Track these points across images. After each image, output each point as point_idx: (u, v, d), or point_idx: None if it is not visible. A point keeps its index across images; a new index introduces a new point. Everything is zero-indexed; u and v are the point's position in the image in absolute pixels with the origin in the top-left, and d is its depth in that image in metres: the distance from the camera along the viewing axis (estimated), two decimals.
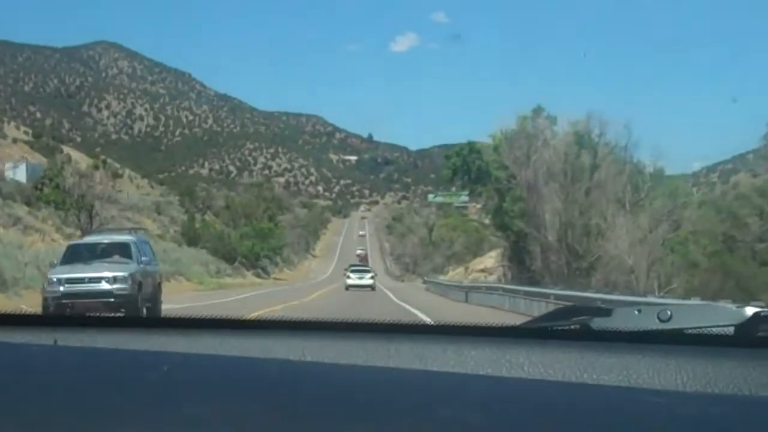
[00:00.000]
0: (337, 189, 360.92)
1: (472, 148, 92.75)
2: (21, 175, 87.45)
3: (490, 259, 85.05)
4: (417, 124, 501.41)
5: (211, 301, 40.57)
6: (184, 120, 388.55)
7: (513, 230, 69.26)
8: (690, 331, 2.16)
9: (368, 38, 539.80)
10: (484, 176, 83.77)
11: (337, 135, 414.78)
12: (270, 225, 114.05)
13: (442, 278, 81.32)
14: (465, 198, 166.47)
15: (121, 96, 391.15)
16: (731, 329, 2.14)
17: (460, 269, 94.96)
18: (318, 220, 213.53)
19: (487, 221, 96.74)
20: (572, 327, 2.34)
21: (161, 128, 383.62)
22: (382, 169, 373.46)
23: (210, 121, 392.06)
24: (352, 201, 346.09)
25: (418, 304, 38.82)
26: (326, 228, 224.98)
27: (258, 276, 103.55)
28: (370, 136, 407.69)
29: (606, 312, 2.34)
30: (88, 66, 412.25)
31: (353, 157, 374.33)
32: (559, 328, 2.36)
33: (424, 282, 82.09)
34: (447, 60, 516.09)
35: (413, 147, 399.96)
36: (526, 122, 69.08)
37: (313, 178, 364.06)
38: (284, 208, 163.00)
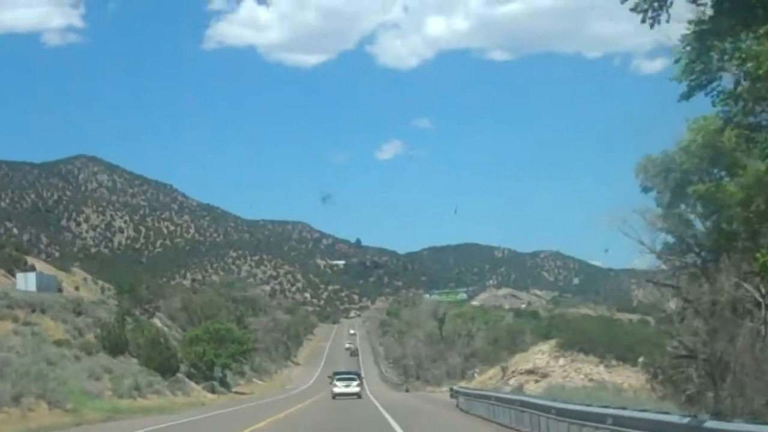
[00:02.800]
0: (325, 295, 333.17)
1: None
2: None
3: (542, 355, 57.20)
4: (405, 229, 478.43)
5: None
6: (165, 231, 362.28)
7: None
8: None
9: (354, 149, 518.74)
10: None
11: (324, 241, 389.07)
12: (229, 326, 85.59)
13: (472, 386, 53.03)
14: (464, 296, 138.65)
15: (100, 209, 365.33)
16: None
17: (493, 371, 66.79)
18: (302, 324, 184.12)
19: (523, 306, 70.50)
20: None
21: (141, 240, 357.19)
22: (372, 272, 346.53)
23: (192, 231, 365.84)
24: (341, 307, 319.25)
25: None
26: (312, 333, 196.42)
27: (212, 390, 74.88)
28: (359, 241, 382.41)
29: None
30: (67, 180, 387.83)
31: (341, 262, 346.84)
32: None
33: (453, 393, 48.94)
34: (432, 165, 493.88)
35: (402, 251, 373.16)
36: None
37: (300, 285, 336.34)
38: (260, 310, 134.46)
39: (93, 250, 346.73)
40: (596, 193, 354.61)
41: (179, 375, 72.06)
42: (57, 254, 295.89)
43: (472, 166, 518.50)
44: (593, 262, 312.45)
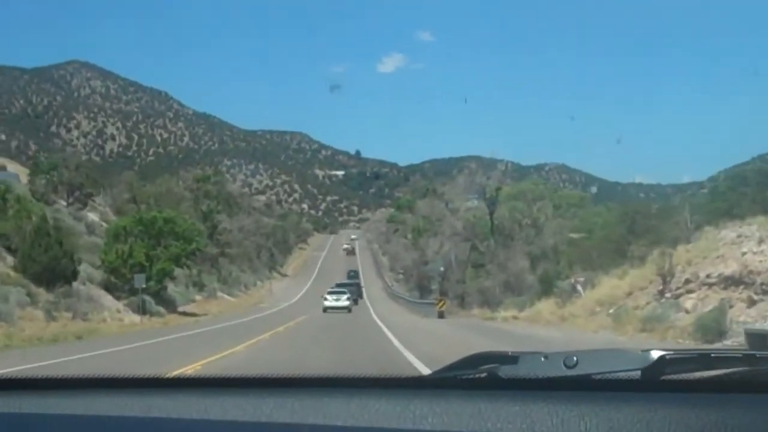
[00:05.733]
0: (323, 206, 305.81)
1: None
2: None
3: (753, 242, 28.33)
4: (405, 141, 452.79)
5: None
6: (159, 138, 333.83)
7: None
8: (596, 377, 2.06)
9: (354, 60, 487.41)
10: None
11: (323, 152, 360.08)
12: (170, 214, 57.42)
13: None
14: (474, 203, 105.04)
15: (92, 115, 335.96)
16: (638, 373, 2.05)
17: (616, 282, 35.90)
18: (293, 230, 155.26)
19: None
20: (479, 375, 2.19)
21: (134, 147, 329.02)
22: (372, 183, 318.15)
23: (186, 139, 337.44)
24: (339, 219, 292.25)
25: None
26: (306, 243, 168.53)
27: (140, 309, 47.22)
28: (358, 153, 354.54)
29: (512, 359, 2.19)
30: (59, 86, 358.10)
31: (340, 172, 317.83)
32: (466, 377, 2.20)
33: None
34: (433, 79, 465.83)
35: (403, 163, 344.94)
36: None
37: (297, 195, 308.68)
38: (236, 207, 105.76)
39: (84, 157, 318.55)
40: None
41: (77, 286, 44.21)
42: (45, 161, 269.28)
43: (473, 79, 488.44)
44: (599, 176, 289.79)
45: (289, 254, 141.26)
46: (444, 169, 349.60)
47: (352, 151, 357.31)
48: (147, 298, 50.94)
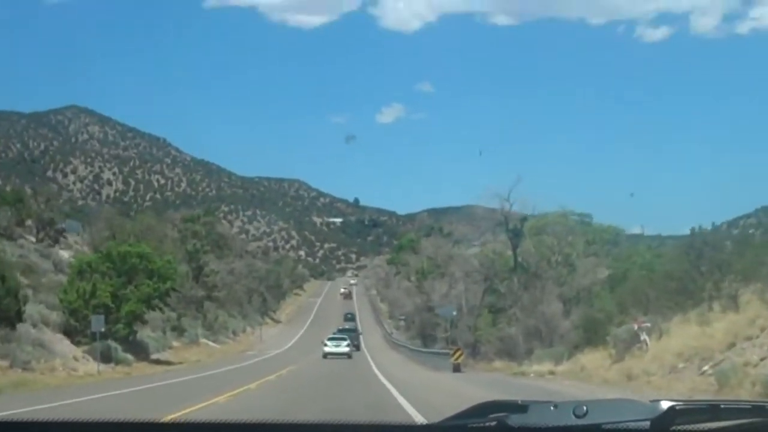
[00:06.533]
0: (320, 253, 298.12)
1: None
2: None
3: None
4: (404, 191, 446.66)
5: None
6: (156, 184, 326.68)
7: None
8: (606, 427, 1.99)
9: (354, 110, 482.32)
10: None
11: (321, 199, 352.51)
12: (143, 249, 50.10)
13: None
14: (476, 249, 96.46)
15: (89, 160, 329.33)
16: (647, 424, 1.99)
17: (695, 329, 28.50)
18: (288, 276, 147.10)
19: None
20: (489, 424, 2.11)
21: (131, 193, 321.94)
22: (370, 231, 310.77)
23: (183, 185, 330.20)
24: (337, 266, 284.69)
25: None
26: (302, 289, 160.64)
27: (106, 357, 39.86)
28: (357, 201, 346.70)
29: (522, 408, 2.12)
30: (56, 131, 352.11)
31: (338, 219, 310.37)
32: (476, 425, 2.13)
33: None
34: (432, 129, 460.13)
35: (401, 211, 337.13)
36: None
37: (294, 242, 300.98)
38: (227, 249, 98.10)
39: (80, 202, 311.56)
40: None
41: (26, 329, 36.79)
42: (42, 206, 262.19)
43: (472, 129, 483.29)
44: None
45: (283, 300, 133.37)
46: (441, 218, 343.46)
47: (351, 199, 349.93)
48: (113, 344, 43.50)
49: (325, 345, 63.18)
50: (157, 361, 48.02)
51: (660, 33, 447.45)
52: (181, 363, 48.84)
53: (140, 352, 47.87)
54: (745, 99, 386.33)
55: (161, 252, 58.80)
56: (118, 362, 42.08)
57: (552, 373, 34.86)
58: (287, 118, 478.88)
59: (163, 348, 54.15)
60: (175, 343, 58.41)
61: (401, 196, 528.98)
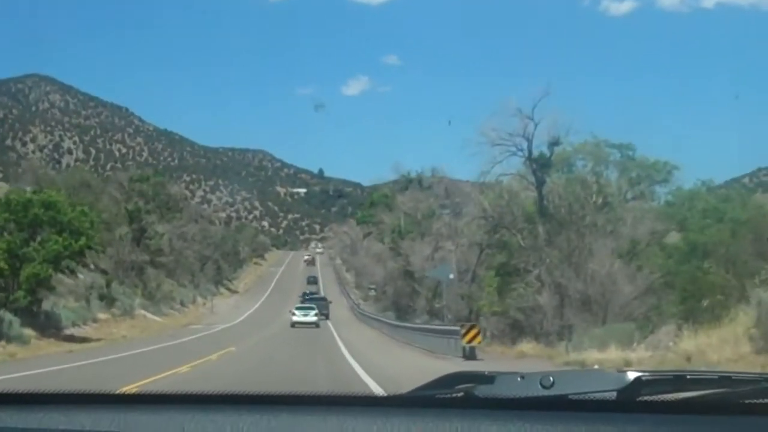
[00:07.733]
0: (284, 224, 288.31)
1: None
2: None
3: None
4: (369, 162, 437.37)
5: None
6: (117, 153, 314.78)
7: None
8: (573, 397, 2.00)
9: (320, 82, 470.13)
10: None
11: (285, 170, 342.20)
12: (52, 196, 40.09)
13: None
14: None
15: (49, 129, 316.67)
16: (614, 394, 2.00)
17: None
18: (248, 243, 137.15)
19: None
20: (455, 395, 2.11)
21: (91, 162, 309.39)
22: (335, 202, 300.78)
23: (145, 154, 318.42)
24: (301, 237, 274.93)
25: None
26: (263, 258, 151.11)
27: (10, 338, 29.58)
28: (321, 171, 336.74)
29: (489, 379, 2.13)
30: (16, 99, 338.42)
31: (302, 190, 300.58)
32: (443, 396, 2.13)
33: None
34: (398, 102, 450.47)
35: (366, 183, 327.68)
36: None
37: (257, 213, 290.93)
38: (177, 211, 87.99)
39: (39, 171, 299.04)
40: None
41: None
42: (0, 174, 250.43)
43: (438, 102, 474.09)
44: None
45: (240, 269, 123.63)
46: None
47: (315, 170, 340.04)
48: (9, 316, 33.89)
49: (293, 314, 61.69)
50: (71, 338, 38.60)
51: (624, 6, 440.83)
52: (99, 340, 39.43)
53: (49, 326, 38.34)
54: (710, 73, 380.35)
55: (97, 212, 49.24)
56: (11, 340, 32.57)
57: (628, 363, 21.63)
58: (252, 89, 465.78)
59: (84, 321, 44.61)
60: (102, 315, 48.75)
61: (366, 167, 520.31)
